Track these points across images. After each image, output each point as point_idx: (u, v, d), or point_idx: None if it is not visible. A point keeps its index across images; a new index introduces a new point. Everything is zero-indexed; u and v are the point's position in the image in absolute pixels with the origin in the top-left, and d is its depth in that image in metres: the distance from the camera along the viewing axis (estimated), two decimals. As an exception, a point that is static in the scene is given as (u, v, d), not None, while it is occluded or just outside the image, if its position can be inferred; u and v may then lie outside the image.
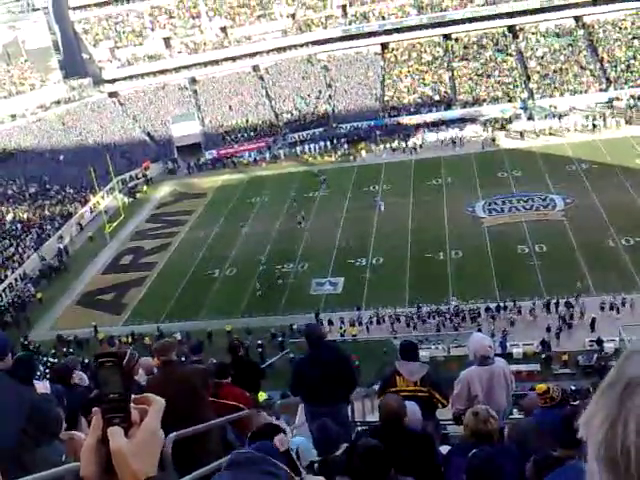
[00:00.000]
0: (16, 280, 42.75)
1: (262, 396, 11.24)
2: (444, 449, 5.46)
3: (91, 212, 53.04)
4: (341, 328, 33.18)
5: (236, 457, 1.59)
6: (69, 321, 38.23)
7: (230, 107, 66.43)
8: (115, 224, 49.60)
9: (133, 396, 1.27)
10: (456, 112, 60.60)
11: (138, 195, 56.88)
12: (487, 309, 32.89)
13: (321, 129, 62.11)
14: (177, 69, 69.24)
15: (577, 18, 65.66)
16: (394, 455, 3.85)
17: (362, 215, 45.44)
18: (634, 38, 62.71)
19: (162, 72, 69.11)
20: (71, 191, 54.33)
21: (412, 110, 62.11)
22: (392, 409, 4.74)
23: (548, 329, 30.69)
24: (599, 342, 28.81)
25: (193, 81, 69.77)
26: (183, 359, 13.29)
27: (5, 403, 3.17)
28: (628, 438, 0.70)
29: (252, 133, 63.34)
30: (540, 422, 5.26)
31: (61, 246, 47.27)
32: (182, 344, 27.00)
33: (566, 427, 4.25)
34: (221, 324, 34.32)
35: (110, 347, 34.09)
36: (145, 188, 57.96)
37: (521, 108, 59.23)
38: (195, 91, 69.05)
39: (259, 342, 31.97)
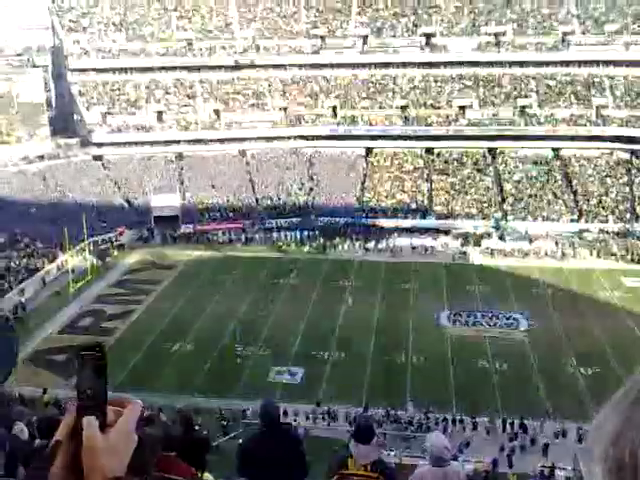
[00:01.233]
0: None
1: (207, 477, 10.80)
2: None
3: (58, 270, 52.24)
4: (295, 421, 32.37)
5: None
6: (17, 378, 36.75)
7: (213, 186, 67.27)
8: (80, 284, 48.82)
9: (109, 396, 1.23)
10: (431, 222, 62.11)
11: (108, 259, 56.36)
12: (444, 420, 32.48)
13: (298, 219, 62.93)
14: (166, 142, 70.37)
15: (555, 149, 68.80)
16: None
17: (329, 308, 45.45)
18: (607, 176, 65.70)
19: (150, 143, 70.13)
20: (41, 246, 53.69)
21: (389, 214, 63.51)
22: None
23: (502, 449, 30.30)
24: (552, 468, 28.43)
25: (180, 156, 70.83)
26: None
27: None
28: (636, 448, 0.71)
29: (231, 213, 63.91)
30: None
31: (22, 300, 46.16)
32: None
33: None
34: (172, 400, 33.26)
35: (57, 410, 32.72)
36: (116, 253, 57.54)
37: (493, 227, 60.94)
38: (180, 166, 69.96)
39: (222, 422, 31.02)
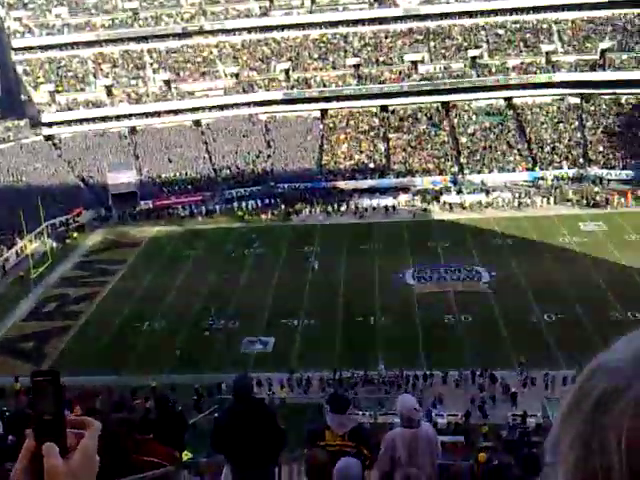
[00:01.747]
0: None
1: (186, 455, 10.98)
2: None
3: (17, 256, 51.27)
4: (270, 390, 32.72)
5: None
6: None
7: (169, 159, 66.33)
8: (41, 269, 48.04)
9: (68, 418, 1.20)
10: (390, 181, 62.38)
11: (68, 241, 55.46)
12: (415, 377, 33.12)
13: (258, 187, 62.60)
14: (118, 117, 68.89)
15: (507, 99, 69.35)
16: None
17: (295, 275, 45.66)
18: (559, 122, 66.62)
19: (102, 119, 68.57)
20: (-2, 233, 52.60)
21: (348, 176, 63.58)
22: (318, 463, 4.72)
23: (472, 401, 31.11)
24: (523, 416, 29.22)
25: (133, 131, 69.52)
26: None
27: None
28: (608, 457, 0.66)
29: (189, 186, 63.22)
30: None
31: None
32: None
33: None
34: (146, 380, 33.29)
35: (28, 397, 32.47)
36: (75, 234, 56.62)
37: (451, 182, 61.55)
38: (134, 141, 68.69)
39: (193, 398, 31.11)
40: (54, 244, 53.69)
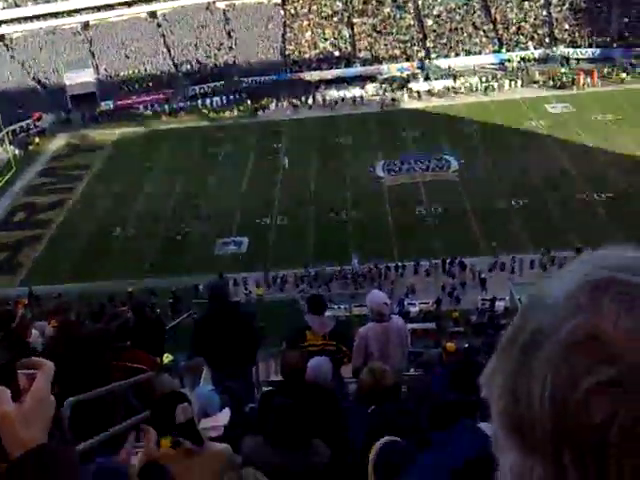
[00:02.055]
0: None
1: (167, 358, 11.20)
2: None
3: (-22, 165, 49.96)
4: (246, 289, 33.21)
5: None
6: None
7: (126, 55, 63.80)
8: (6, 178, 46.94)
9: (19, 361, 1.17)
10: (356, 69, 60.93)
11: (30, 147, 53.97)
12: (387, 268, 33.79)
13: (222, 82, 60.81)
14: (69, 12, 65.37)
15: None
16: (302, 411, 3.91)
17: (266, 173, 45.31)
18: (524, 0, 64.71)
19: (54, 15, 65.05)
20: (-45, 142, 50.95)
21: (313, 66, 61.91)
22: (293, 364, 4.85)
23: (443, 288, 31.99)
24: (492, 300, 30.20)
25: (86, 26, 66.24)
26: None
27: None
28: (532, 407, 0.59)
29: (150, 84, 61.18)
30: (439, 378, 5.49)
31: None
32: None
33: (463, 372, 4.52)
34: (122, 285, 33.50)
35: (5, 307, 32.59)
36: (37, 140, 55.04)
37: (418, 68, 60.31)
38: (89, 37, 65.62)
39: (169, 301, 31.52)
40: (16, 151, 52.26)
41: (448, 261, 33.71)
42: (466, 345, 22.08)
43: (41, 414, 1.12)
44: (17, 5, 64.57)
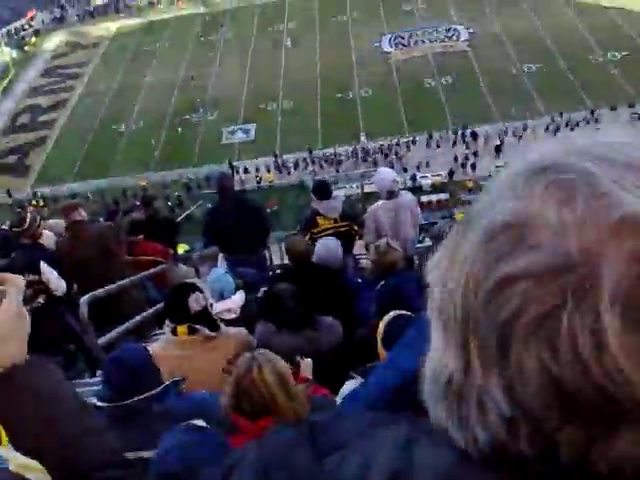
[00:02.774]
0: None
1: (182, 248, 11.35)
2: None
3: (-23, 69, 49.03)
4: (257, 176, 33.17)
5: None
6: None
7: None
8: (6, 81, 46.09)
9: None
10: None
11: (27, 48, 52.63)
12: (397, 144, 33.42)
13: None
14: None
15: None
16: (307, 293, 3.92)
17: (269, 57, 44.03)
18: None
19: None
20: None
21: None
22: (299, 249, 4.86)
23: (455, 159, 31.69)
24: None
25: None
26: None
27: None
28: (453, 281, 0.52)
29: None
30: None
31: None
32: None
33: None
34: (134, 180, 33.64)
35: (20, 211, 33.04)
36: (34, 40, 53.56)
37: None
38: None
39: (176, 194, 31.65)
40: (13, 53, 51.01)
41: (460, 132, 33.14)
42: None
43: (15, 329, 1.06)
44: None
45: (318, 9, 49.47)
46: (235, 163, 33.87)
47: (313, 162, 33.52)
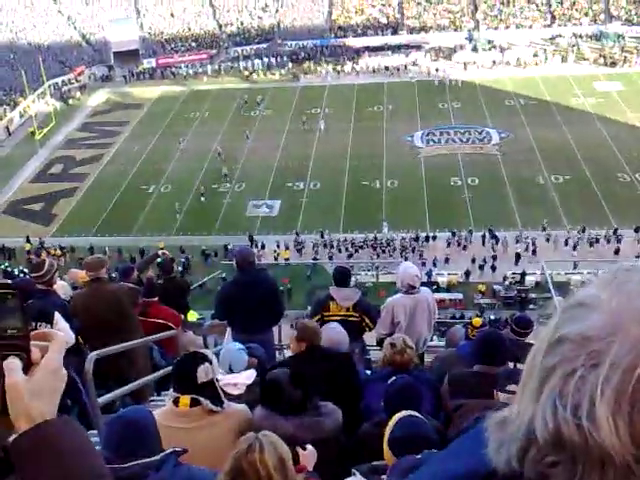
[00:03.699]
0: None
1: (193, 315, 11.30)
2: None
3: (20, 117, 50.56)
4: (275, 251, 33.32)
5: None
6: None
7: (172, 14, 63.54)
8: (45, 131, 47.50)
9: (33, 332, 1.12)
10: (402, 38, 59.84)
11: (71, 101, 54.46)
12: (416, 238, 33.55)
13: (265, 45, 60.34)
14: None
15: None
16: (313, 377, 3.85)
17: (302, 137, 45.07)
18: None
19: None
20: (0, 93, 51.53)
21: (359, 32, 60.98)
22: (310, 332, 4.80)
23: (473, 260, 31.69)
24: (523, 275, 29.87)
25: (133, -17, 66.03)
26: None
27: None
28: (598, 417, 0.64)
29: (193, 44, 61.04)
30: (464, 353, 5.39)
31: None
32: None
33: (483, 343, 4.41)
34: (154, 241, 33.89)
35: (36, 258, 33.34)
36: (79, 94, 55.50)
37: (466, 39, 58.98)
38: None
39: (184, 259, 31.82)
40: (57, 104, 52.76)
41: (481, 234, 33.29)
42: (492, 317, 22.06)
43: (51, 387, 1.08)
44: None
45: (356, 98, 50.89)
46: (255, 236, 34.15)
47: (332, 246, 33.66)
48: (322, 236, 34.20)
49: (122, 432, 2.48)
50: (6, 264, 31.23)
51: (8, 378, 1.04)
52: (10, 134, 48.76)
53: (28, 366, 1.07)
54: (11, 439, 1.04)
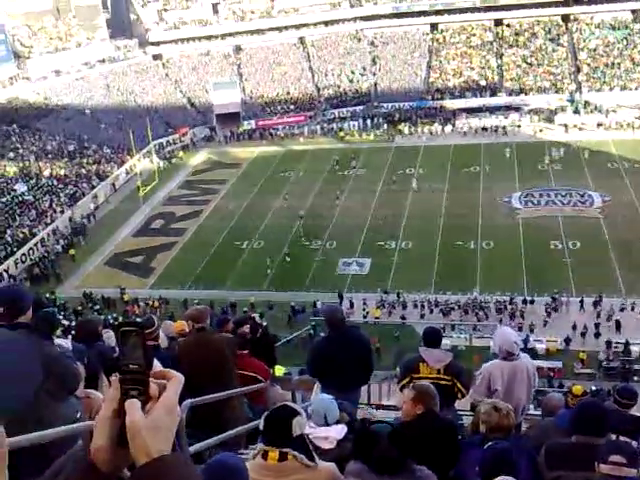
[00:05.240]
0: (48, 235, 42.82)
1: (280, 370, 11.31)
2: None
3: (126, 174, 53.39)
4: (364, 310, 33.07)
5: None
6: (97, 280, 38.63)
7: (272, 78, 66.17)
8: (149, 188, 49.88)
9: (153, 370, 1.22)
10: (501, 99, 59.54)
11: (174, 160, 57.14)
12: (512, 302, 32.42)
13: (361, 107, 61.54)
14: (223, 36, 68.96)
15: (634, 11, 63.61)
16: (420, 443, 3.77)
17: (395, 197, 45.12)
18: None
19: (208, 38, 68.89)
20: (108, 151, 54.75)
21: (457, 94, 61.20)
22: (431, 397, 4.65)
23: (574, 327, 30.28)
24: (626, 344, 28.32)
25: (238, 49, 69.48)
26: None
27: (24, 357, 3.11)
28: None
29: (292, 106, 63.09)
30: (563, 422, 5.12)
31: (92, 206, 47.71)
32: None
33: (583, 413, 4.14)
34: (245, 295, 34.47)
35: (135, 309, 34.59)
36: (181, 154, 58.22)
37: (568, 101, 57.95)
38: (239, 59, 68.81)
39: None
40: (161, 163, 55.42)
41: (580, 299, 31.80)
42: (593, 387, 20.80)
43: (167, 424, 1.17)
44: (176, 27, 68.92)
45: (451, 159, 50.72)
46: (345, 294, 34.07)
47: (422, 306, 33.09)
48: (386, 292, 33.81)
49: (221, 476, 2.46)
50: (108, 315, 32.45)
51: (129, 416, 1.14)
52: (116, 190, 51.45)
53: (146, 400, 1.18)
54: (128, 473, 1.17)
